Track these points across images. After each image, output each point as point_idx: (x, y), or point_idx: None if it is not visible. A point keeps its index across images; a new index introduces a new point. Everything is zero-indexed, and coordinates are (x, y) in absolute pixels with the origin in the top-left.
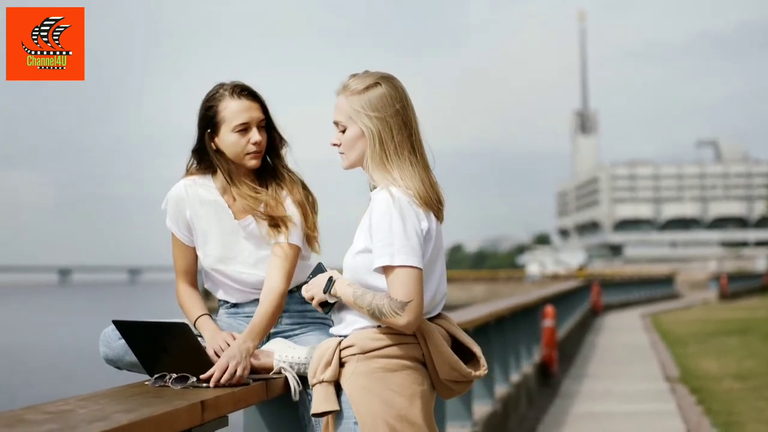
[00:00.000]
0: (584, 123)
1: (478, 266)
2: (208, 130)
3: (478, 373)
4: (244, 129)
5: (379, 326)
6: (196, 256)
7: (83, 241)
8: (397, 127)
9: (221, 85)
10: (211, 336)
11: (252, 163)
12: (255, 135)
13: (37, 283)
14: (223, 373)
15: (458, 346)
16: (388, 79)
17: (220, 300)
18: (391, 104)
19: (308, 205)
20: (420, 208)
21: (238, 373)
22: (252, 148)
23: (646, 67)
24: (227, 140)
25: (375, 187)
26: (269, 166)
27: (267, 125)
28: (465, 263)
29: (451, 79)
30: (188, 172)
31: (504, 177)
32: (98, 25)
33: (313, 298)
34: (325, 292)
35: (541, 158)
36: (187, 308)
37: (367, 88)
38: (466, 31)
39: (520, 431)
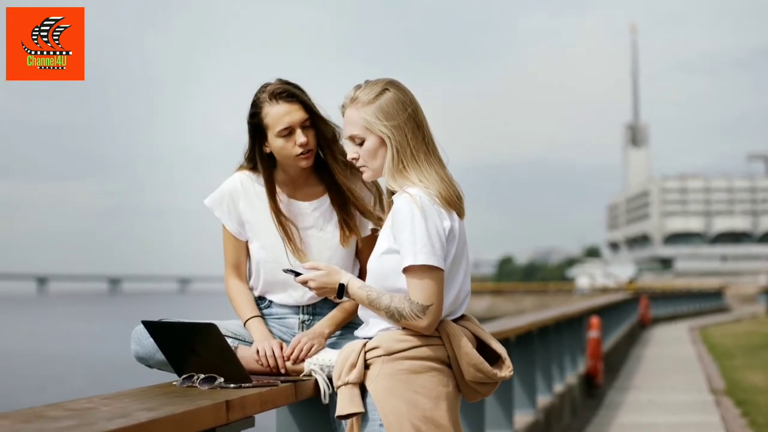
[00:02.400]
0: (635, 136)
1: (529, 279)
2: (258, 136)
3: (503, 374)
4: (289, 133)
5: (404, 327)
6: (247, 250)
7: (133, 250)
8: (411, 132)
9: (263, 89)
10: (259, 340)
11: (303, 164)
12: (300, 137)
13: (88, 291)
14: (295, 347)
15: (483, 348)
16: (394, 84)
17: (256, 298)
18: (404, 109)
19: (376, 186)
20: (442, 208)
21: (315, 348)
22: (299, 149)
23: (698, 80)
24: (275, 145)
25: (394, 192)
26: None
27: (314, 122)
28: (515, 276)
29: (502, 91)
30: (242, 167)
31: (554, 189)
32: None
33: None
34: (340, 298)
35: (592, 171)
36: (237, 306)
37: (377, 96)
38: (517, 43)
39: None
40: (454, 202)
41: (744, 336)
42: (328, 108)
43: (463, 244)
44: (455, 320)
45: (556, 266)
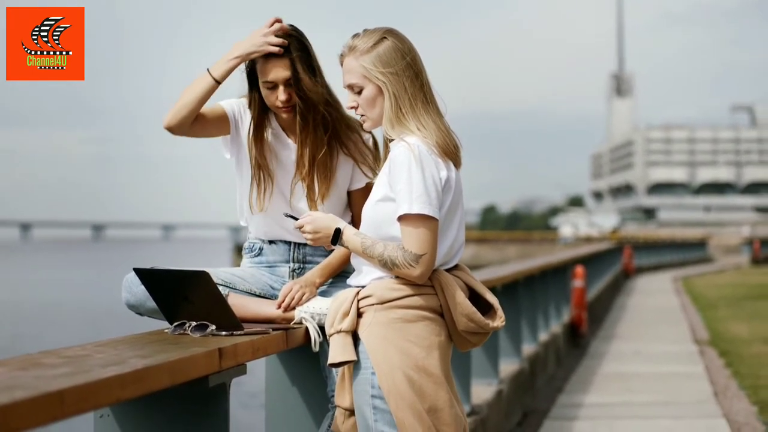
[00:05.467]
0: (620, 85)
1: (512, 228)
2: (254, 79)
3: (495, 324)
4: (272, 87)
5: (397, 276)
6: (217, 124)
7: (116, 197)
8: (409, 80)
9: None
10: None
11: (284, 116)
12: (281, 94)
13: (72, 238)
14: (286, 295)
15: (476, 298)
16: (392, 33)
17: (245, 247)
18: (402, 57)
19: (373, 143)
20: (439, 158)
21: (306, 296)
22: (279, 104)
23: (684, 31)
24: (263, 92)
25: (392, 140)
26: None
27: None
28: (499, 224)
29: (488, 41)
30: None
31: (539, 139)
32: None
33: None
34: (334, 244)
35: (577, 121)
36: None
37: (375, 44)
38: None
39: (548, 390)
40: (451, 152)
41: (727, 287)
42: (325, 58)
43: (458, 195)
44: (448, 270)
45: (539, 215)
